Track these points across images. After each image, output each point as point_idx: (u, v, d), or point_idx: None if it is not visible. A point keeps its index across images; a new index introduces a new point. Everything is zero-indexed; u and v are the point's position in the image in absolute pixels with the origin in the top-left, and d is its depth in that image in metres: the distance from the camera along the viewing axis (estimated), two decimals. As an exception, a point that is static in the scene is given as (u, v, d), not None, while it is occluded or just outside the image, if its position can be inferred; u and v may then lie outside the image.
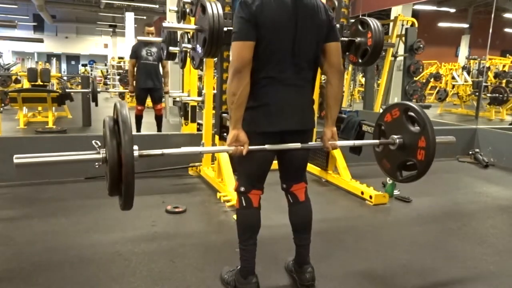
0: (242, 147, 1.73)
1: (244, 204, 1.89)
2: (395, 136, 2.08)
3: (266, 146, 1.78)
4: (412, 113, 2.04)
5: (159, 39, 4.63)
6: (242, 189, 1.89)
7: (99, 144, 1.55)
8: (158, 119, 5.83)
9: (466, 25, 18.68)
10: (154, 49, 5.46)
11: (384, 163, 2.21)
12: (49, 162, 1.48)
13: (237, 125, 1.73)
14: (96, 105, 6.99)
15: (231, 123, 1.74)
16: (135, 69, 5.53)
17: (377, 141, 2.17)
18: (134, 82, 5.60)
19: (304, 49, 1.77)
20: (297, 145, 1.84)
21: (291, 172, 1.98)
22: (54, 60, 16.19)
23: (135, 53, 5.48)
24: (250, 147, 1.75)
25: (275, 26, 1.69)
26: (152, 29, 5.53)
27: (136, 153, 1.50)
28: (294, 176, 1.98)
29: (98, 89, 5.93)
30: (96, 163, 1.55)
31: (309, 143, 1.90)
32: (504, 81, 11.95)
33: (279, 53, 1.73)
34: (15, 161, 1.42)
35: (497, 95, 7.63)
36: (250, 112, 1.76)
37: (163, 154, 1.68)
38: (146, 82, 5.49)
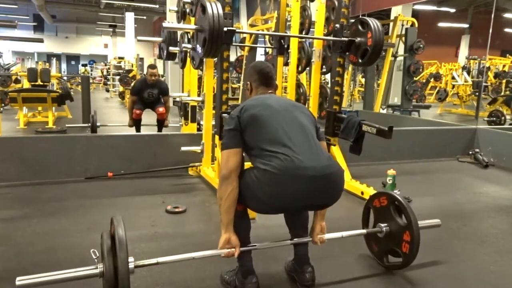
0: (234, 250, 1.81)
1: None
2: (382, 225, 2.21)
3: (257, 245, 1.91)
4: (399, 205, 2.15)
5: (159, 39, 4.63)
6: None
7: (98, 255, 1.65)
8: (160, 123, 5.65)
9: (466, 25, 18.69)
10: (155, 91, 5.45)
11: (372, 245, 2.33)
12: (50, 281, 1.59)
13: (228, 228, 1.80)
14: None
15: (222, 226, 1.82)
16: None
17: (364, 231, 2.29)
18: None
19: (305, 124, 1.85)
20: (287, 242, 1.99)
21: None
22: (54, 60, 16.19)
23: (137, 93, 5.45)
24: (242, 248, 1.84)
25: (265, 117, 1.79)
26: (155, 71, 5.45)
27: (131, 266, 1.65)
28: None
29: (97, 123, 5.78)
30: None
31: (299, 239, 1.99)
32: (504, 81, 11.96)
33: (283, 131, 1.76)
34: (18, 283, 1.54)
35: (494, 118, 7.96)
36: (265, 180, 1.70)
37: (157, 263, 1.81)
38: (144, 104, 5.52)
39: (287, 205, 1.76)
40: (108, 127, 6.32)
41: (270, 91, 2.01)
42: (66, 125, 6.69)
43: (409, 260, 2.11)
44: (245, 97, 2.07)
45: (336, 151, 3.84)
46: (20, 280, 1.54)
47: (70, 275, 1.62)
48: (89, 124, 6.12)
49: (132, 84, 5.70)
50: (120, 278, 1.55)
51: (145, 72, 5.65)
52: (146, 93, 5.43)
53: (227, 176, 1.75)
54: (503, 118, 7.89)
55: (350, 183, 3.66)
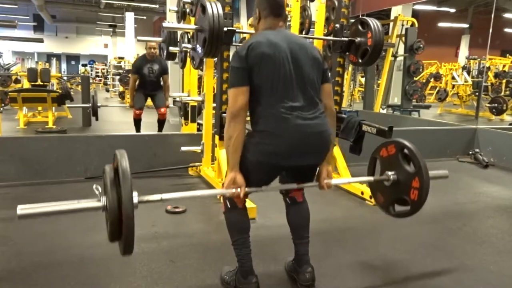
0: (239, 190, 1.78)
1: (229, 206, 1.91)
2: (390, 173, 2.11)
3: (263, 188, 1.86)
4: (407, 153, 2.08)
5: (159, 39, 4.63)
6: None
7: (100, 190, 1.60)
8: (161, 122, 5.63)
9: (466, 25, 18.69)
10: (156, 67, 5.41)
11: (378, 196, 2.25)
12: (52, 211, 1.54)
13: (234, 168, 1.78)
14: (97, 119, 6.73)
15: (229, 165, 1.80)
16: (136, 84, 5.48)
17: (371, 178, 2.21)
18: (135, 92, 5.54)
19: (307, 79, 1.81)
20: (293, 185, 1.94)
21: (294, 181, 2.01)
22: (54, 60, 16.21)
23: (137, 70, 5.42)
24: (247, 189, 1.81)
25: (270, 63, 1.75)
26: (154, 44, 5.39)
27: (135, 200, 1.58)
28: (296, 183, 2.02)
29: (98, 104, 5.82)
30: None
31: (305, 184, 1.96)
32: (504, 81, 11.95)
33: (283, 84, 1.75)
34: (19, 212, 1.48)
35: (496, 104, 7.90)
36: (263, 141, 1.75)
37: (161, 199, 1.75)
38: (144, 89, 5.47)
39: (283, 162, 1.78)
40: (109, 108, 6.36)
41: (280, 24, 1.93)
42: (67, 105, 6.73)
43: (417, 207, 2.03)
44: (255, 26, 2.00)
45: (336, 151, 3.84)
46: (21, 209, 1.49)
47: (72, 207, 1.57)
48: (90, 105, 6.23)
49: (132, 63, 5.63)
50: (124, 209, 1.50)
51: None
52: (146, 69, 5.38)
53: (237, 114, 1.73)
54: (504, 104, 7.81)
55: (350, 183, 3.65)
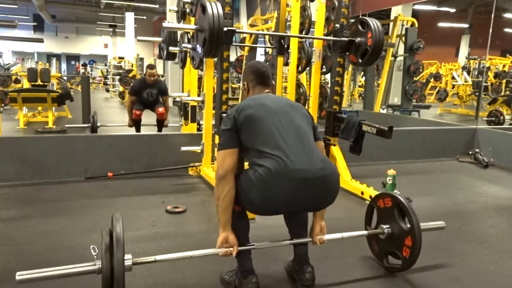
0: (231, 249, 1.81)
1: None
2: (384, 226, 2.19)
3: (255, 245, 1.90)
4: (403, 209, 2.13)
5: (159, 39, 4.63)
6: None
7: (97, 251, 1.66)
8: (160, 123, 5.64)
9: (466, 25, 18.69)
10: (155, 91, 5.46)
11: (373, 245, 2.33)
12: (49, 276, 1.61)
13: (226, 228, 1.81)
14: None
15: (220, 225, 1.83)
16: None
17: (366, 232, 2.29)
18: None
19: (300, 127, 1.83)
20: (286, 242, 1.98)
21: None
22: (54, 60, 16.19)
23: (136, 93, 5.45)
24: (240, 248, 1.84)
25: (260, 118, 1.79)
26: (154, 71, 5.45)
27: (129, 263, 1.67)
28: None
29: (98, 122, 5.76)
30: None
31: (299, 239, 1.99)
32: (504, 81, 11.96)
33: (277, 132, 1.76)
34: (18, 278, 1.58)
35: (493, 118, 8.02)
36: (259, 184, 1.70)
37: (155, 261, 1.82)
38: (143, 105, 5.53)
39: (280, 208, 1.78)
40: (108, 127, 6.31)
41: (267, 91, 2.01)
42: (66, 126, 6.70)
43: (409, 265, 2.11)
44: (243, 97, 2.07)
45: (336, 151, 3.84)
46: (20, 275, 1.56)
47: (69, 271, 1.63)
48: (89, 125, 6.12)
49: (131, 85, 5.68)
50: (115, 277, 1.58)
51: (144, 73, 5.64)
52: (145, 93, 5.43)
53: (224, 176, 1.76)
54: (502, 117, 7.93)
55: (350, 183, 3.66)
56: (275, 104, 1.87)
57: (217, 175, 1.78)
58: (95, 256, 1.65)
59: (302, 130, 1.83)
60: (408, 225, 2.09)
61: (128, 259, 1.66)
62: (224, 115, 2.19)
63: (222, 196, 1.76)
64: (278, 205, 1.74)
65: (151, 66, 5.55)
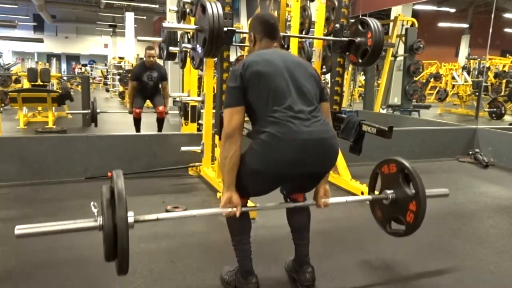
0: (235, 209, 1.78)
1: None
2: (388, 192, 2.15)
3: (258, 206, 1.88)
4: (408, 174, 2.10)
5: (159, 39, 4.63)
6: None
7: (97, 208, 1.62)
8: (160, 121, 5.66)
9: (466, 25, 18.69)
10: (155, 74, 5.45)
11: (377, 211, 2.29)
12: (49, 231, 1.57)
13: (230, 188, 1.78)
14: (96, 125, 6.59)
15: (224, 185, 1.81)
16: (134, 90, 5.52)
17: (370, 197, 2.25)
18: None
19: (305, 87, 1.80)
20: (291, 204, 1.96)
21: (294, 190, 2.02)
22: (54, 60, 16.20)
23: (136, 77, 5.45)
24: (244, 208, 1.82)
25: (267, 77, 1.75)
26: (153, 52, 5.44)
27: (131, 220, 1.61)
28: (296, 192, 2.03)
29: (98, 110, 5.85)
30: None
31: (300, 202, 1.98)
32: (504, 81, 11.96)
33: (281, 93, 1.73)
34: (16, 232, 1.54)
35: (494, 109, 7.97)
36: (263, 149, 1.71)
37: (157, 219, 1.78)
38: (144, 93, 5.52)
39: (282, 170, 1.73)
40: (108, 113, 6.38)
41: (275, 44, 1.95)
42: (66, 112, 6.77)
43: (412, 230, 2.06)
44: (250, 50, 2.01)
45: (336, 151, 3.84)
46: (18, 229, 1.52)
47: (69, 227, 1.59)
48: (89, 111, 6.25)
49: (132, 70, 5.67)
50: (119, 233, 1.52)
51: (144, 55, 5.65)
52: (146, 76, 5.43)
53: (231, 134, 1.73)
54: (503, 108, 7.88)
55: (350, 183, 3.66)
56: (282, 61, 1.81)
57: (225, 133, 1.75)
58: (95, 213, 1.60)
59: (307, 90, 1.79)
60: (413, 190, 2.04)
61: (130, 216, 1.60)
62: (231, 69, 2.13)
63: (229, 156, 1.73)
64: (282, 168, 1.71)
65: (150, 48, 5.58)
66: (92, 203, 1.63)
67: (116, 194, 1.55)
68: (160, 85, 5.60)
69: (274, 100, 1.72)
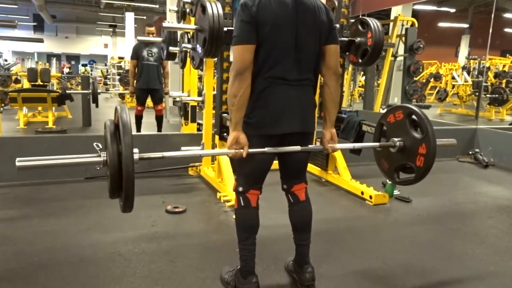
0: (242, 150, 1.75)
1: (243, 204, 1.90)
2: (396, 139, 2.09)
3: (266, 149, 1.79)
4: (415, 118, 2.04)
5: (159, 39, 4.63)
6: (240, 189, 1.89)
7: (100, 146, 1.56)
8: (159, 119, 5.84)
9: (466, 25, 18.68)
10: (155, 50, 5.48)
11: (383, 162, 2.22)
12: (50, 164, 1.51)
13: (237, 127, 1.74)
14: (97, 106, 6.96)
15: (231, 125, 1.76)
16: (136, 69, 5.54)
17: (377, 143, 2.18)
18: (135, 82, 5.61)
19: (306, 49, 1.78)
20: (297, 148, 1.86)
21: (292, 173, 1.99)
22: (54, 60, 16.19)
23: (136, 54, 5.49)
24: (250, 150, 1.76)
25: (275, 26, 1.71)
26: (152, 29, 5.54)
27: (136, 156, 1.53)
28: (295, 176, 1.99)
29: (99, 90, 5.95)
30: (97, 166, 1.56)
31: (309, 146, 1.91)
32: (504, 81, 11.95)
33: (281, 53, 1.74)
34: (18, 164, 1.45)
35: (496, 95, 7.80)
36: (251, 114, 1.77)
37: (163, 157, 1.69)
38: (146, 83, 5.51)
39: (269, 129, 1.78)
40: (109, 93, 6.48)
41: None
42: (67, 91, 6.88)
43: (423, 174, 2.01)
44: None
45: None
46: (20, 161, 1.47)
47: (72, 161, 1.54)
48: (90, 91, 6.35)
49: (132, 49, 5.68)
50: (124, 164, 1.45)
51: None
52: (146, 52, 5.44)
53: (242, 71, 1.68)
54: (505, 93, 7.73)
55: (350, 183, 3.66)
56: (295, 7, 1.72)
57: (235, 71, 1.68)
58: (98, 150, 1.56)
59: (308, 52, 1.78)
60: (422, 134, 1.99)
61: (135, 153, 1.52)
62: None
63: (239, 94, 1.68)
64: (271, 123, 1.76)
65: (150, 24, 5.65)
66: (94, 143, 1.57)
67: (121, 126, 1.48)
68: (160, 68, 5.64)
69: (274, 60, 1.73)
